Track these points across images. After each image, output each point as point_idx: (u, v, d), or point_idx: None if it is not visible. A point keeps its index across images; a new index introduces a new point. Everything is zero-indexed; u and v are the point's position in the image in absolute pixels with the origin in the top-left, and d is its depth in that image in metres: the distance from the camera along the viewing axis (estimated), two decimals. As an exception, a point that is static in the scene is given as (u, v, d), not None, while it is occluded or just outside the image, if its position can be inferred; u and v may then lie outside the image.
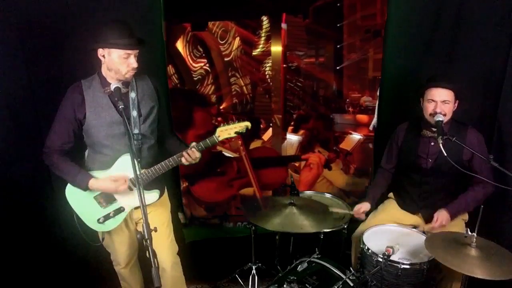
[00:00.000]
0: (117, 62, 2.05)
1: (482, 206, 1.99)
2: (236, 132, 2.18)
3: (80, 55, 2.50)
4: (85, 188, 2.15)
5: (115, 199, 2.22)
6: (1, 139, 2.51)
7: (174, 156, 2.18)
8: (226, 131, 2.18)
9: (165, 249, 2.37)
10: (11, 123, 2.54)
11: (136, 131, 2.17)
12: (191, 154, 2.16)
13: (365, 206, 2.59)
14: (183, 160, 2.18)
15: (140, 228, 2.31)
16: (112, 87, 2.06)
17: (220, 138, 2.18)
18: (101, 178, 2.15)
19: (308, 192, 3.08)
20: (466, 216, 2.56)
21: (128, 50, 2.03)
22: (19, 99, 2.54)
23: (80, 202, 2.21)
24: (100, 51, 2.06)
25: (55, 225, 2.76)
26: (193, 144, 2.18)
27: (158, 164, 2.19)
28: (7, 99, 2.50)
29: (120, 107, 1.95)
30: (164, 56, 2.87)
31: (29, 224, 2.64)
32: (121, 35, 2.01)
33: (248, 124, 2.20)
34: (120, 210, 2.23)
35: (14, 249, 2.58)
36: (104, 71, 2.13)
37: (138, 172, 1.77)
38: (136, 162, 2.06)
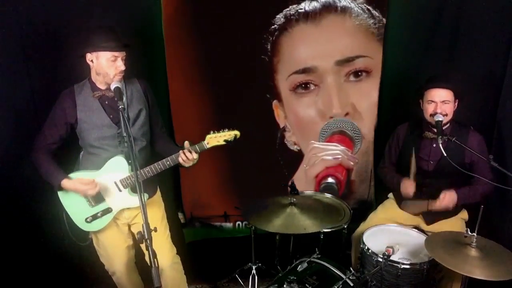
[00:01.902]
0: (105, 66, 2.09)
1: (482, 206, 2.00)
2: (225, 140, 2.21)
3: (80, 57, 2.52)
4: (59, 187, 2.19)
5: (103, 199, 2.25)
6: (2, 140, 2.51)
7: (173, 156, 2.19)
8: (215, 139, 2.21)
9: (161, 249, 2.35)
10: (12, 124, 2.54)
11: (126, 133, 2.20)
12: (188, 155, 2.18)
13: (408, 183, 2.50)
14: (181, 160, 2.19)
15: (134, 230, 2.36)
16: (112, 87, 2.09)
17: (209, 146, 2.21)
18: (72, 180, 2.19)
19: (308, 192, 3.08)
20: (466, 216, 2.56)
21: (115, 52, 2.07)
22: (20, 100, 2.55)
23: (71, 200, 2.24)
24: (89, 56, 2.10)
25: (53, 226, 2.75)
26: (186, 143, 2.20)
27: (155, 164, 2.20)
28: (8, 100, 2.51)
29: (120, 107, 1.97)
30: (164, 56, 2.88)
31: (29, 224, 2.64)
32: (108, 38, 2.06)
33: (237, 133, 2.23)
34: (108, 211, 2.25)
35: (10, 249, 2.57)
36: (93, 76, 2.18)
37: (136, 174, 1.77)
38: (130, 163, 2.10)
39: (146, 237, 1.59)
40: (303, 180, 3.17)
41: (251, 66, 2.96)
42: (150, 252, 1.57)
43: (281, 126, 3.14)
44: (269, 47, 2.92)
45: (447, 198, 2.37)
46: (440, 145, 2.19)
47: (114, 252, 2.40)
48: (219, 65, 2.95)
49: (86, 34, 2.10)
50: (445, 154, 2.17)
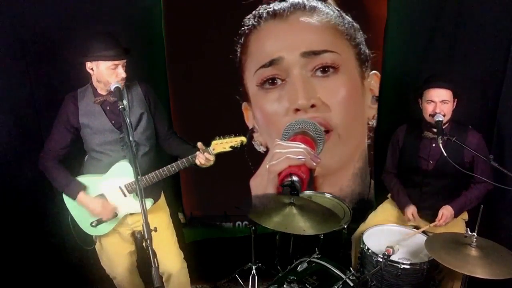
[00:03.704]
0: (106, 74, 2.07)
1: (482, 206, 2.00)
2: (231, 147, 2.18)
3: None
4: (74, 199, 2.19)
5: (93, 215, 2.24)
6: (3, 141, 2.52)
7: (189, 157, 2.17)
8: (221, 145, 2.17)
9: (169, 254, 2.38)
10: (13, 125, 2.55)
11: (130, 138, 2.19)
12: (208, 156, 2.15)
13: (412, 208, 2.51)
14: (198, 162, 2.17)
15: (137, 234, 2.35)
16: (112, 87, 2.08)
17: (215, 152, 2.17)
18: (92, 198, 2.20)
19: (308, 192, 3.07)
20: (466, 216, 2.56)
21: (115, 61, 2.05)
22: (20, 102, 2.56)
23: (76, 204, 2.23)
24: (88, 64, 2.08)
25: (55, 227, 2.76)
26: (200, 145, 2.18)
27: (169, 166, 2.18)
28: (9, 102, 2.51)
29: (120, 107, 1.96)
30: (164, 56, 2.88)
31: (29, 225, 2.64)
32: (107, 46, 2.03)
33: (243, 139, 2.19)
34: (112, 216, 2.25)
35: (12, 250, 2.58)
36: (94, 82, 2.16)
37: (137, 178, 1.76)
38: (134, 167, 2.08)
39: (146, 237, 1.59)
40: (265, 177, 3.15)
41: (225, 67, 2.95)
42: (150, 252, 1.57)
43: (250, 127, 3.11)
44: (238, 47, 2.91)
45: (445, 216, 2.40)
46: (441, 145, 2.19)
47: (115, 258, 2.40)
48: (209, 67, 2.95)
49: (84, 42, 2.06)
50: (446, 154, 2.17)
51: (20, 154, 2.58)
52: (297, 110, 2.99)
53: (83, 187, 2.19)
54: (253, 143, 3.15)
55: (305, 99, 2.96)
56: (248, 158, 3.16)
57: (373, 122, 3.16)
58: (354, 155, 3.25)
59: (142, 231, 1.60)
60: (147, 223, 1.61)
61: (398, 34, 2.89)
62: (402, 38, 2.90)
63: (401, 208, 2.59)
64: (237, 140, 2.18)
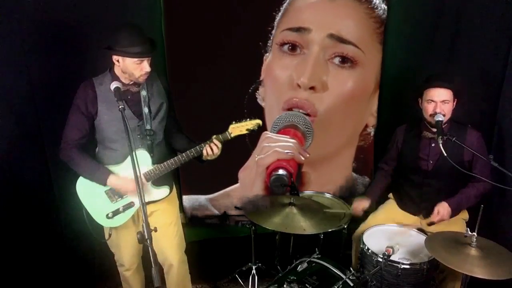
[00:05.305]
0: (131, 68, 2.08)
1: (482, 206, 1.99)
2: (247, 129, 2.23)
3: (80, 56, 2.53)
4: (104, 184, 2.19)
5: (125, 193, 2.24)
6: (2, 139, 2.51)
7: (197, 147, 2.19)
8: (238, 128, 2.23)
9: (173, 246, 2.42)
10: (12, 123, 2.54)
11: (148, 127, 2.22)
12: (214, 148, 2.19)
13: (364, 203, 2.60)
14: (205, 152, 2.20)
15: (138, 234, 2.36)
16: (112, 87, 2.08)
17: (233, 135, 2.23)
18: (122, 177, 2.18)
19: (308, 192, 3.08)
20: (466, 216, 2.56)
21: (141, 57, 2.06)
22: (20, 99, 2.55)
23: (90, 196, 2.23)
24: (114, 56, 2.08)
25: (56, 224, 2.77)
26: (214, 137, 2.22)
27: (179, 156, 2.21)
28: (8, 99, 2.51)
29: (120, 107, 1.96)
30: (164, 56, 2.88)
31: (30, 223, 2.64)
32: (134, 42, 2.03)
33: (259, 122, 2.26)
34: (130, 205, 2.25)
35: (15, 248, 2.58)
36: (118, 72, 2.16)
37: (134, 170, 1.77)
38: (152, 156, 2.18)
39: (146, 237, 1.59)
40: (254, 170, 3.13)
41: (225, 62, 2.96)
42: (150, 252, 1.56)
43: (261, 78, 3.09)
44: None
45: (441, 212, 2.38)
46: (441, 145, 2.19)
47: (125, 247, 2.41)
48: (209, 64, 2.94)
49: (112, 35, 2.05)
50: (446, 154, 2.17)
51: (20, 154, 2.58)
52: (298, 85, 3.01)
53: (110, 172, 2.19)
54: (256, 94, 3.12)
55: (308, 79, 2.98)
56: (246, 108, 3.13)
57: (372, 130, 3.18)
58: (341, 151, 3.25)
59: (142, 231, 1.60)
60: (147, 223, 1.61)
61: (398, 34, 2.89)
62: (402, 38, 2.90)
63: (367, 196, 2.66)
64: (253, 123, 2.24)
